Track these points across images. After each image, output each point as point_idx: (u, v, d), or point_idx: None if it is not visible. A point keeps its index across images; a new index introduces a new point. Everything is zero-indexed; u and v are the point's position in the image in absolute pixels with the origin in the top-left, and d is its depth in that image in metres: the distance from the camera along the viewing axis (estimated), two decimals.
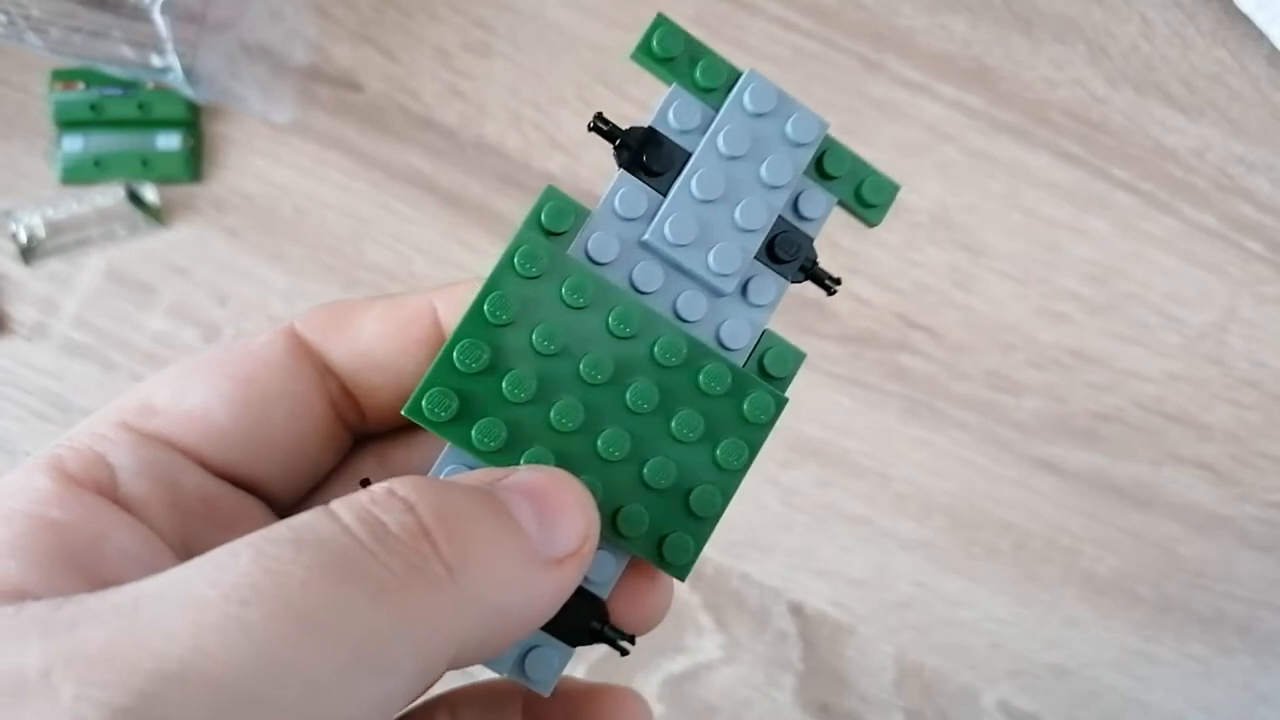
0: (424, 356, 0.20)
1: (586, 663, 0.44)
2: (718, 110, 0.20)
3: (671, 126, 0.20)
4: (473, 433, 0.19)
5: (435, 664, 0.15)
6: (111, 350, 0.44)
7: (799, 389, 0.21)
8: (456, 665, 0.16)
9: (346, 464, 0.22)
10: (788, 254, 0.21)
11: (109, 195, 0.43)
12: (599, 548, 0.19)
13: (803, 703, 0.44)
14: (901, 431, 0.45)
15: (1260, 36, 0.46)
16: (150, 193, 0.44)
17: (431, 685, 0.17)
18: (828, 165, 0.21)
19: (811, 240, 0.21)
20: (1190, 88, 0.46)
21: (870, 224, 0.22)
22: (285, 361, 0.20)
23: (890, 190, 0.21)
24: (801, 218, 0.21)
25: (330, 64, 0.45)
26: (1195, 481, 0.45)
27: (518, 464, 0.19)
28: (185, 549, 0.18)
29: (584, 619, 0.20)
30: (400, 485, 0.16)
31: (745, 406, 0.20)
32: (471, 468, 0.20)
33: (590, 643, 0.20)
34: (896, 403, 0.45)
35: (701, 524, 0.20)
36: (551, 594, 0.17)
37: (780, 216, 0.21)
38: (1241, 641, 0.45)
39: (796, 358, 0.21)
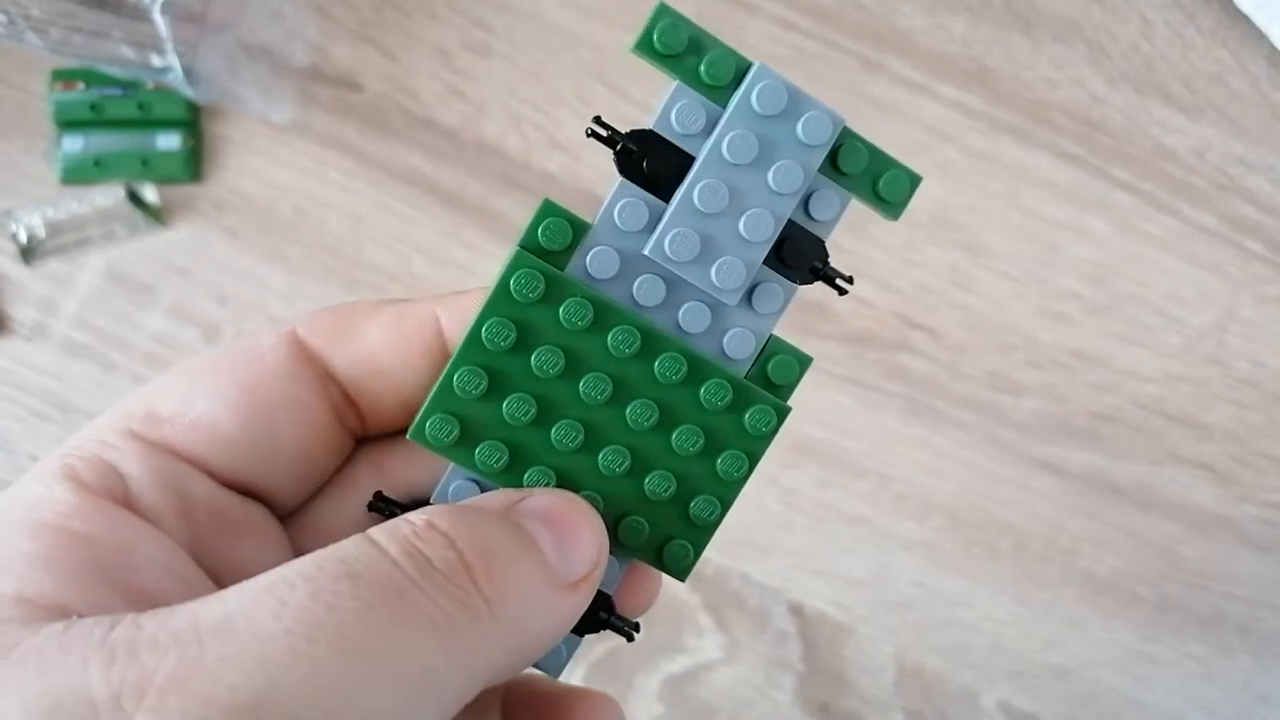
0: (426, 366, 0.20)
1: (588, 662, 0.44)
2: (724, 108, 0.19)
3: (674, 130, 0.19)
4: (475, 455, 0.20)
5: (473, 691, 0.16)
6: (111, 350, 0.44)
7: (799, 389, 0.21)
8: (485, 688, 0.17)
9: (346, 467, 0.22)
10: (796, 260, 0.20)
11: (109, 195, 0.43)
12: None
13: (803, 703, 0.45)
14: (901, 432, 0.45)
15: (1260, 36, 0.46)
16: (150, 193, 0.44)
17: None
18: (843, 162, 0.20)
19: (823, 243, 0.20)
20: (1190, 88, 0.46)
21: (890, 218, 0.21)
22: (289, 368, 0.20)
23: (909, 185, 0.20)
24: (813, 219, 0.20)
25: (330, 64, 0.45)
26: (1195, 481, 0.45)
27: (520, 483, 0.20)
28: (196, 559, 0.18)
29: (592, 610, 0.20)
30: (438, 518, 0.17)
31: (746, 419, 0.20)
32: (478, 482, 0.20)
33: (597, 631, 0.20)
34: (896, 403, 0.45)
35: (701, 531, 0.21)
36: (569, 616, 0.18)
37: (790, 219, 0.20)
38: (1241, 641, 0.45)
39: (802, 364, 0.21)
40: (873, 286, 0.45)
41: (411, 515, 0.17)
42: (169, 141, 0.44)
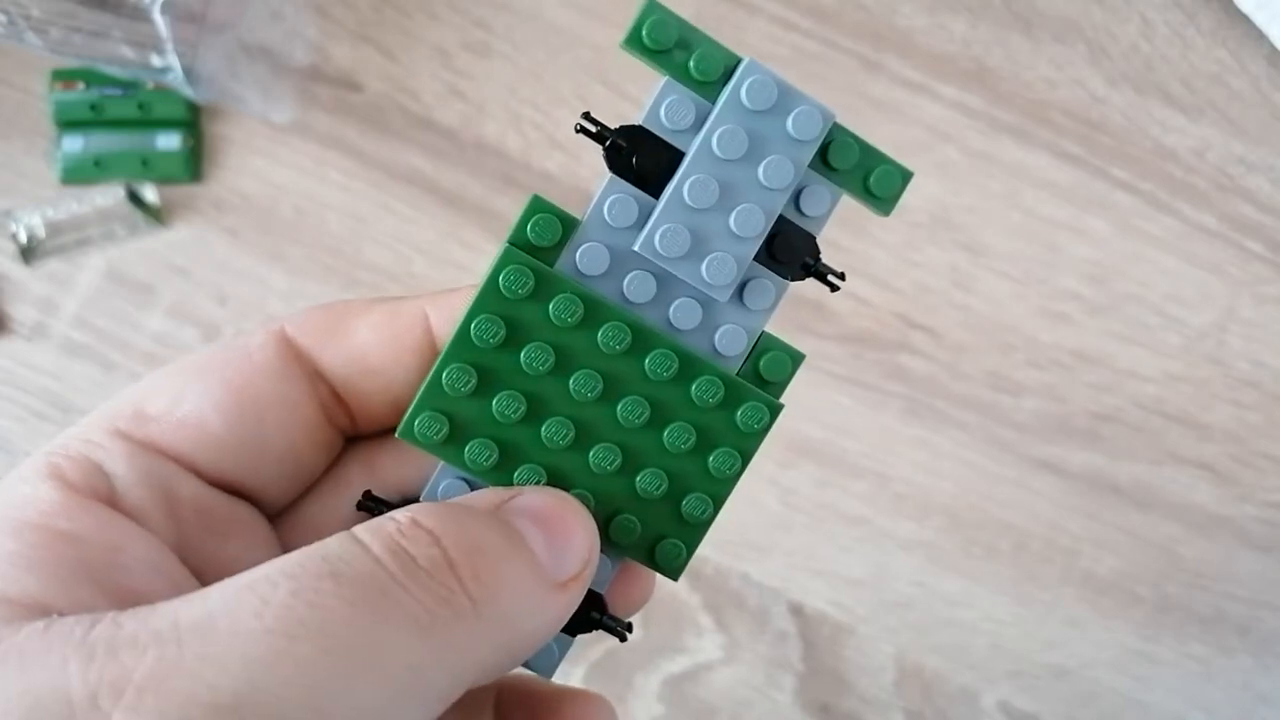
0: (417, 364, 0.20)
1: (587, 662, 0.44)
2: (714, 104, 0.19)
3: (664, 125, 0.19)
4: (465, 453, 0.19)
5: (459, 689, 0.16)
6: (111, 350, 0.44)
7: (798, 389, 0.21)
8: (472, 687, 0.16)
9: (336, 466, 0.22)
10: (787, 256, 0.20)
11: (109, 195, 0.43)
12: None
13: (803, 703, 0.45)
14: (901, 431, 0.45)
15: (1260, 36, 0.46)
16: (150, 193, 0.44)
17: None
18: (834, 158, 0.20)
19: (814, 239, 0.20)
20: (1190, 88, 0.46)
21: (881, 214, 0.20)
22: (278, 367, 0.20)
23: (900, 181, 0.20)
24: (804, 215, 0.20)
25: (330, 64, 0.45)
26: (1195, 481, 0.45)
27: (510, 481, 0.20)
28: (182, 558, 0.18)
29: (583, 610, 0.20)
30: (423, 516, 0.17)
31: (738, 416, 0.20)
32: (468, 480, 0.20)
33: (589, 631, 0.20)
34: (896, 403, 0.45)
35: (693, 530, 0.21)
36: (559, 616, 0.18)
37: (781, 215, 0.20)
38: (1241, 641, 0.45)
39: (794, 360, 0.21)
40: (872, 286, 0.45)
41: (397, 513, 0.17)
42: (169, 141, 0.44)
